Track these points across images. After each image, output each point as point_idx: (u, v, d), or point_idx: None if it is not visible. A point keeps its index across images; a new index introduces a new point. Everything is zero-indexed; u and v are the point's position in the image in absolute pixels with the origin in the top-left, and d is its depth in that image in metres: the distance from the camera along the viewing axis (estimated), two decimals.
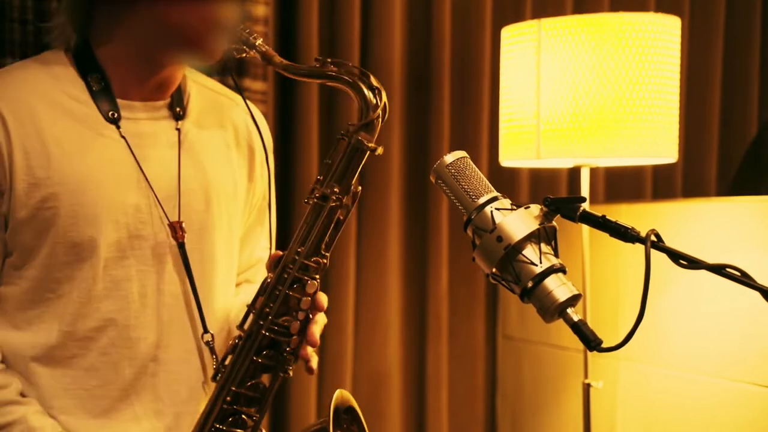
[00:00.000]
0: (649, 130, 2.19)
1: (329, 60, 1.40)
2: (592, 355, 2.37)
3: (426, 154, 2.88)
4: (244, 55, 1.43)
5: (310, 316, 1.40)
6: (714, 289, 2.28)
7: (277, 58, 1.42)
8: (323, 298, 1.42)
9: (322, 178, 1.38)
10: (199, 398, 1.46)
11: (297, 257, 1.37)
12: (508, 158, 2.39)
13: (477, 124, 2.93)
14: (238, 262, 1.57)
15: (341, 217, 1.38)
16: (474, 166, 1.22)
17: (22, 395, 1.39)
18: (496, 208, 1.17)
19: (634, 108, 2.17)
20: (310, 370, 1.42)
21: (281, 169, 2.69)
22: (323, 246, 1.38)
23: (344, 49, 2.74)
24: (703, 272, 1.11)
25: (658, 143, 2.22)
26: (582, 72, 2.17)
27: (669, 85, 2.23)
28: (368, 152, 1.38)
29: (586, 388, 2.37)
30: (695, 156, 3.27)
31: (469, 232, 1.19)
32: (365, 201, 2.83)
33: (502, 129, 2.39)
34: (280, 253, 1.40)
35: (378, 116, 1.37)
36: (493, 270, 1.17)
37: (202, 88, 1.54)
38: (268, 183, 1.56)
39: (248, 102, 1.54)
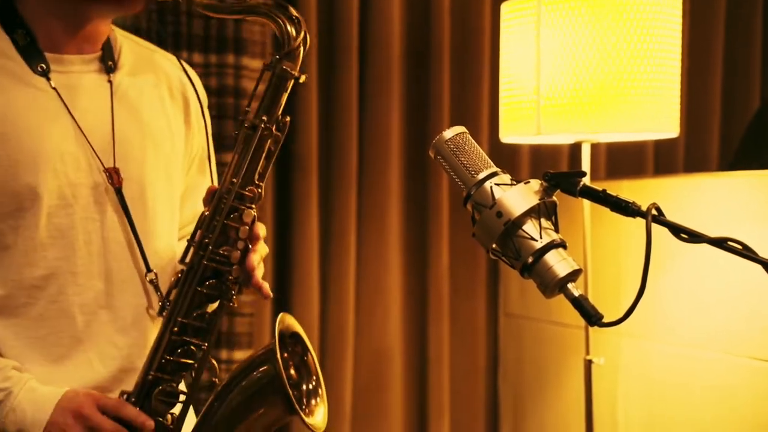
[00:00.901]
0: (651, 104, 2.18)
1: None
2: (594, 332, 2.37)
3: (426, 130, 2.87)
4: (166, 0, 1.45)
5: (249, 245, 1.43)
6: (716, 263, 2.28)
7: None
8: (261, 228, 1.45)
9: (249, 109, 1.42)
10: (149, 336, 1.49)
11: (231, 187, 1.40)
12: (508, 134, 2.38)
13: (477, 100, 2.92)
14: (181, 216, 1.59)
15: (272, 148, 1.42)
16: (473, 141, 1.21)
17: None
18: (495, 184, 1.17)
19: (635, 83, 2.15)
20: (265, 296, 1.46)
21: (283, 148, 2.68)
22: (257, 176, 1.42)
23: (343, 24, 2.73)
24: (705, 247, 1.11)
25: (660, 118, 2.21)
26: (582, 47, 2.15)
27: (670, 60, 2.21)
28: (292, 80, 1.42)
29: (588, 364, 2.36)
30: (697, 131, 3.26)
31: (469, 207, 1.18)
32: (365, 178, 2.82)
33: (502, 105, 2.38)
34: (216, 186, 1.44)
35: (299, 45, 1.40)
36: (493, 246, 1.16)
37: (133, 44, 1.57)
38: (205, 135, 1.60)
39: (182, 62, 1.59)
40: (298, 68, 1.42)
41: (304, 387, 1.51)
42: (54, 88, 1.42)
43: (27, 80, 1.41)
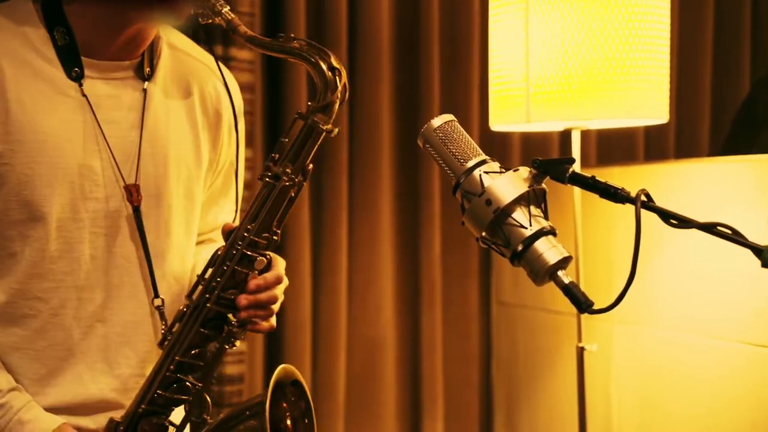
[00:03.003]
0: (640, 90, 2.17)
1: (293, 36, 1.40)
2: (586, 319, 2.37)
3: (416, 120, 2.86)
4: (209, 21, 1.42)
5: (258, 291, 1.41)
6: (706, 249, 2.28)
7: (242, 29, 1.41)
8: (276, 269, 1.42)
9: (276, 156, 1.38)
10: (146, 360, 1.46)
11: (246, 234, 1.38)
12: (498, 123, 2.37)
13: (467, 88, 2.91)
14: (201, 225, 1.57)
15: (293, 194, 1.40)
16: (462, 129, 1.21)
17: None
18: (484, 172, 1.16)
19: (625, 68, 2.15)
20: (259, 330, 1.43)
21: (269, 139, 2.68)
22: (275, 223, 1.39)
23: (332, 12, 2.72)
24: (695, 232, 1.11)
25: (649, 104, 2.21)
26: (571, 33, 2.15)
27: (659, 45, 2.21)
28: (324, 134, 1.38)
29: (580, 351, 2.37)
30: (687, 117, 3.26)
31: (458, 196, 1.18)
32: (356, 167, 2.81)
33: (491, 93, 2.37)
34: (233, 225, 1.41)
35: (337, 98, 1.37)
36: (483, 234, 1.16)
37: (174, 50, 1.52)
38: (236, 149, 1.55)
39: (220, 65, 1.53)
40: (331, 122, 1.38)
41: None
42: (85, 96, 1.39)
43: (60, 86, 1.38)
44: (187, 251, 1.52)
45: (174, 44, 1.53)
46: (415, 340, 2.95)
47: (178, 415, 1.43)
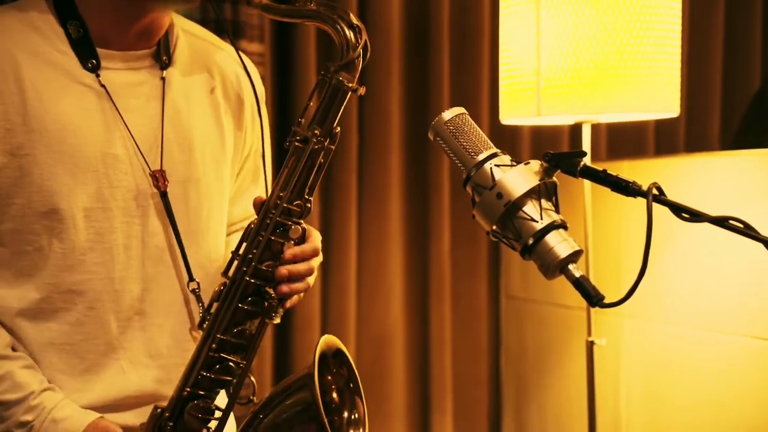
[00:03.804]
0: (651, 84, 2.17)
1: (308, 0, 1.37)
2: (596, 313, 2.37)
3: (426, 114, 2.86)
4: None
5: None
6: (717, 243, 2.27)
7: None
8: (313, 240, 1.40)
9: (303, 120, 1.35)
10: (187, 347, 1.44)
11: (279, 201, 1.34)
12: (508, 116, 2.37)
13: (477, 82, 2.91)
14: (233, 214, 1.55)
15: (323, 160, 1.36)
16: (472, 122, 1.20)
17: (13, 349, 1.37)
18: (495, 165, 1.16)
19: (635, 62, 2.14)
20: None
21: (280, 131, 2.67)
22: (306, 190, 1.36)
23: (343, 5, 2.70)
24: (706, 226, 1.10)
25: (660, 98, 2.20)
26: (582, 27, 2.14)
27: (670, 39, 2.20)
28: (350, 93, 1.34)
29: (590, 345, 2.37)
30: (698, 110, 3.24)
31: (469, 189, 1.18)
32: (365, 162, 2.81)
33: (502, 86, 2.37)
34: (264, 197, 1.38)
35: (359, 55, 1.33)
36: (494, 227, 1.15)
37: (190, 37, 1.51)
38: (261, 133, 1.51)
39: (240, 52, 1.51)
40: (356, 80, 1.34)
41: (346, 414, 1.44)
42: (103, 86, 1.38)
43: (76, 76, 1.37)
44: (219, 232, 1.51)
45: (190, 31, 1.52)
46: (424, 334, 2.95)
47: (223, 400, 1.40)
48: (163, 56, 1.44)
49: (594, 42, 2.14)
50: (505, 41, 2.34)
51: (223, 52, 1.53)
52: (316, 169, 1.35)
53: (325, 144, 1.35)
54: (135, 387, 1.41)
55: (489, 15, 2.88)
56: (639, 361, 2.57)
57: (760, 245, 1.08)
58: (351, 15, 1.35)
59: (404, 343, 2.92)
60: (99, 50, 1.39)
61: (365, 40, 1.34)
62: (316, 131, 1.34)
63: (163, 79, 1.43)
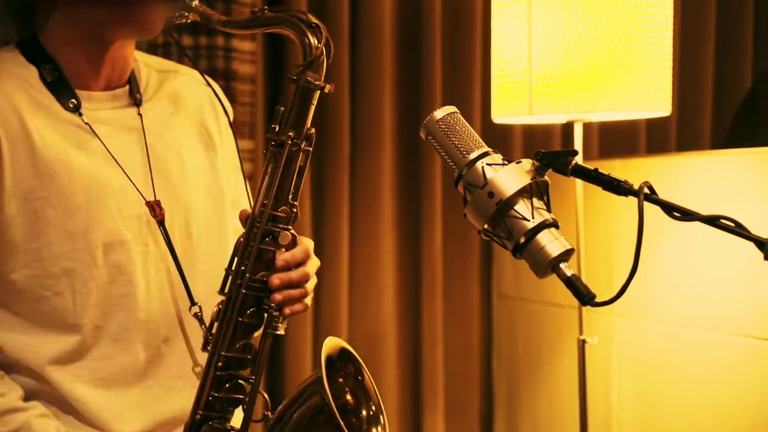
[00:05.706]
0: (643, 83, 2.17)
1: (265, 8, 1.39)
2: (587, 312, 2.37)
3: (418, 112, 2.86)
4: (185, 20, 1.42)
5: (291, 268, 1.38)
6: (708, 242, 2.28)
7: (216, 17, 1.41)
8: (303, 246, 1.40)
9: (275, 126, 1.36)
10: (198, 370, 1.46)
11: (264, 209, 1.35)
12: (500, 115, 2.37)
13: (469, 81, 2.91)
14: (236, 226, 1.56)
15: (302, 163, 1.36)
16: (464, 121, 1.21)
17: (27, 399, 1.37)
18: (487, 164, 1.16)
19: (627, 61, 2.15)
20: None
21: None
22: (290, 194, 1.36)
23: (334, 5, 2.71)
24: (698, 225, 1.10)
25: (652, 96, 2.20)
26: (574, 25, 2.14)
27: (662, 38, 2.21)
28: (318, 91, 1.35)
29: (581, 344, 2.37)
30: (689, 109, 3.25)
31: (460, 188, 1.18)
32: (357, 160, 2.81)
33: (494, 85, 2.37)
34: (248, 210, 1.38)
35: (321, 53, 1.34)
36: (485, 226, 1.16)
37: (156, 71, 1.54)
38: (236, 147, 1.55)
39: (206, 76, 1.55)
40: (322, 78, 1.35)
41: (364, 413, 1.42)
42: (87, 124, 1.40)
43: (63, 117, 1.39)
44: (221, 256, 1.49)
45: (148, 63, 1.55)
46: (416, 333, 2.95)
47: (238, 420, 1.40)
48: (136, 93, 1.47)
49: (586, 41, 2.14)
50: (497, 40, 2.34)
51: (187, 76, 1.57)
52: (296, 172, 1.36)
53: (302, 146, 1.35)
54: (172, 410, 1.43)
55: (481, 14, 2.88)
56: (630, 360, 2.57)
57: (752, 244, 1.08)
58: (309, 15, 1.37)
59: (396, 341, 2.92)
60: (78, 92, 1.41)
61: (326, 38, 1.35)
62: (290, 134, 1.34)
63: (140, 115, 1.46)
